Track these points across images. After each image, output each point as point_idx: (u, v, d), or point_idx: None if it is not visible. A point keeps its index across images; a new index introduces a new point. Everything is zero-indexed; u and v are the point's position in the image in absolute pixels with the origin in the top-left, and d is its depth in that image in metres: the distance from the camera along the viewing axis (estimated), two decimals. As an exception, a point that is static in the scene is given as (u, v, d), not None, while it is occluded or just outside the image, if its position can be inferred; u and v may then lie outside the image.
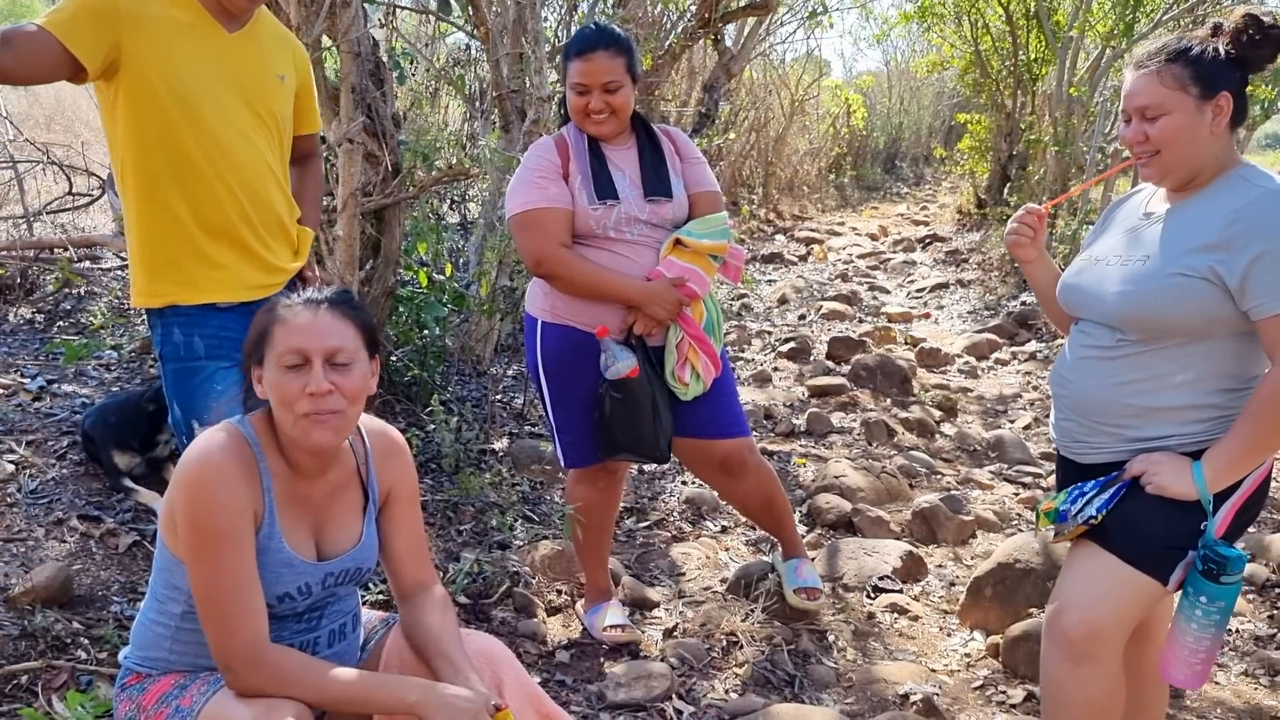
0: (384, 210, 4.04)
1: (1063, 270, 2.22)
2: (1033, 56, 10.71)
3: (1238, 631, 3.19)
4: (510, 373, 5.10)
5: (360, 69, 3.71)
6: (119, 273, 5.52)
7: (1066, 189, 9.04)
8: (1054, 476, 4.50)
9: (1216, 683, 2.93)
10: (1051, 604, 2.05)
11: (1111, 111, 9.16)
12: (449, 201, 5.85)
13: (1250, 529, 2.37)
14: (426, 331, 4.42)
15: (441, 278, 4.59)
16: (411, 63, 5.71)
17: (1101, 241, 2.12)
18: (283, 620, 1.76)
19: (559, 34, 6.78)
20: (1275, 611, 3.31)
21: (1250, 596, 3.39)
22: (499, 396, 4.77)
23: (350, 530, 1.85)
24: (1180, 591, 1.95)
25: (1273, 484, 2.88)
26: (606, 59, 2.66)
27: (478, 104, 5.92)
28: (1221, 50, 1.88)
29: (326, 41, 3.72)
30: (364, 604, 2.49)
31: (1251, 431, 1.84)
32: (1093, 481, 2.03)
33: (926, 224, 13.09)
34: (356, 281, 3.56)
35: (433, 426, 3.98)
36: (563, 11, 6.68)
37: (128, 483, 3.24)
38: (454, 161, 4.64)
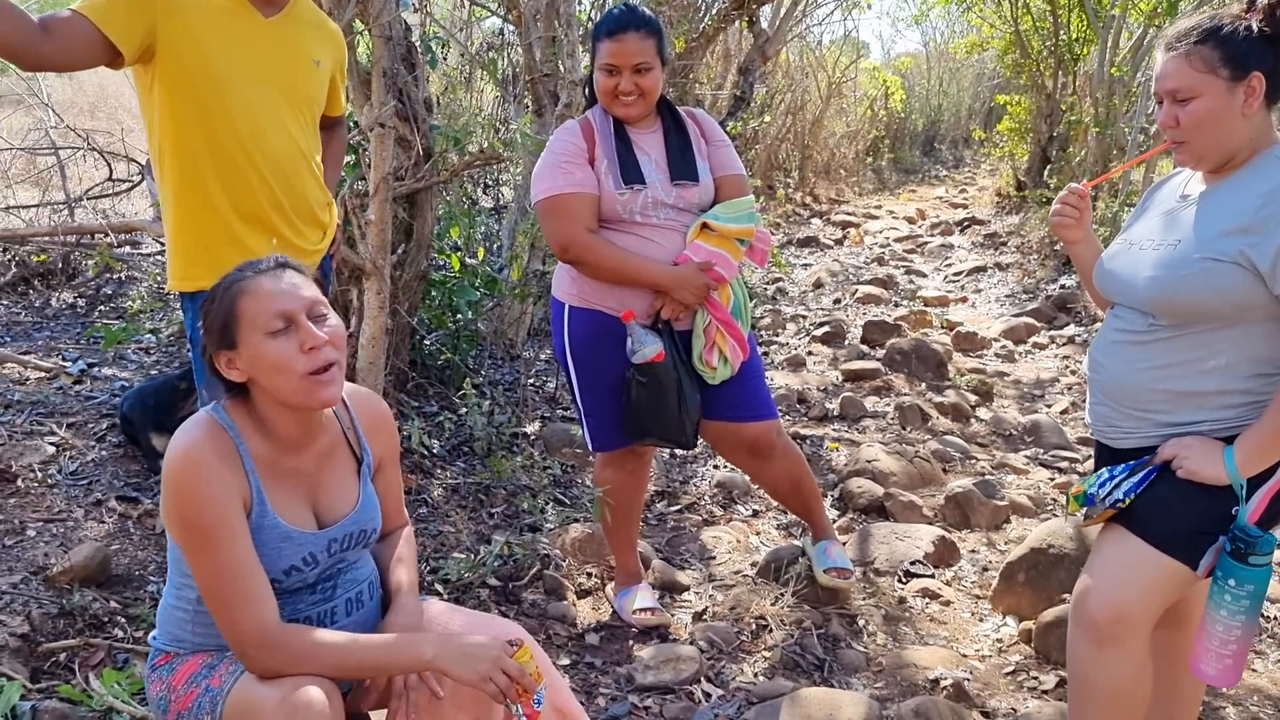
0: (416, 195, 4.06)
1: None
2: (1074, 36, 10.54)
3: (1275, 619, 3.14)
4: (543, 356, 5.12)
5: (392, 53, 3.72)
6: (158, 258, 5.59)
7: (1107, 170, 8.90)
8: (1090, 461, 4.46)
9: (1254, 670, 2.88)
10: (1078, 587, 2.04)
11: (1154, 92, 9.00)
12: (482, 186, 5.87)
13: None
14: (459, 315, 4.45)
15: (474, 262, 4.61)
16: (445, 47, 5.72)
17: (1138, 225, 2.08)
18: (296, 593, 1.77)
19: (592, 17, 6.77)
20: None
21: (1290, 584, 3.33)
22: (531, 380, 4.78)
23: (347, 494, 1.85)
24: (1210, 579, 1.92)
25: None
26: (637, 40, 2.65)
27: (510, 88, 5.92)
28: (1255, 27, 1.83)
29: (358, 25, 3.73)
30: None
31: None
32: (1123, 465, 2.00)
33: (965, 207, 12.95)
34: (389, 265, 3.58)
35: (465, 410, 4.00)
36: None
37: (165, 464, 3.28)
38: (486, 146, 4.64)
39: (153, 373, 4.03)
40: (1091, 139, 9.18)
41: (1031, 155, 11.36)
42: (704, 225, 2.75)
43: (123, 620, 2.59)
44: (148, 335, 4.33)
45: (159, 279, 5.22)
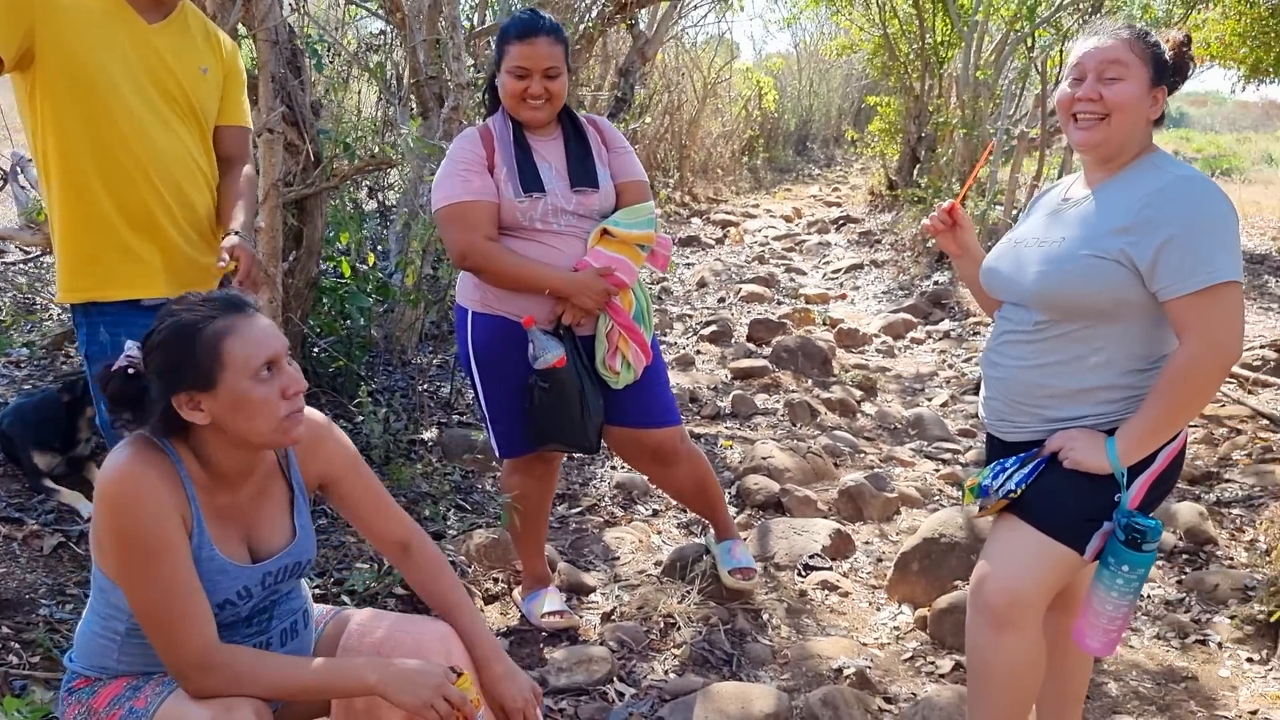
0: (305, 200, 3.98)
1: None
2: (939, 40, 10.95)
3: (1149, 597, 3.35)
4: (435, 362, 5.07)
5: (278, 57, 3.65)
6: (23, 267, 5.33)
7: (975, 178, 9.27)
8: (972, 452, 4.66)
9: (1131, 646, 3.07)
10: (975, 575, 2.13)
11: (1017, 94, 9.41)
12: (367, 190, 5.77)
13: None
14: (350, 322, 4.37)
15: (365, 267, 4.54)
16: (328, 49, 5.61)
17: (1023, 226, 2.20)
18: (231, 627, 1.74)
19: (473, 19, 6.72)
20: (1184, 577, 3.48)
21: (1160, 563, 3.56)
22: (425, 386, 4.74)
23: (281, 527, 1.83)
24: (1099, 562, 2.04)
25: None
26: (548, 44, 2.66)
27: (394, 91, 5.84)
28: (1168, 55, 1.98)
29: (242, 30, 3.63)
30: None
31: (1160, 408, 1.93)
32: (1014, 458, 2.11)
33: (839, 205, 13.31)
34: (280, 273, 3.51)
35: (361, 418, 3.94)
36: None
37: (48, 483, 3.15)
38: (375, 150, 4.58)
39: (25, 388, 3.85)
40: (958, 140, 9.56)
41: (902, 155, 11.75)
42: (604, 231, 2.78)
43: (16, 645, 2.48)
44: (20, 349, 4.13)
45: (25, 290, 4.98)
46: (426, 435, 4.27)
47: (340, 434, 1.97)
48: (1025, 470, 2.07)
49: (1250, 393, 5.31)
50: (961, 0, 10.19)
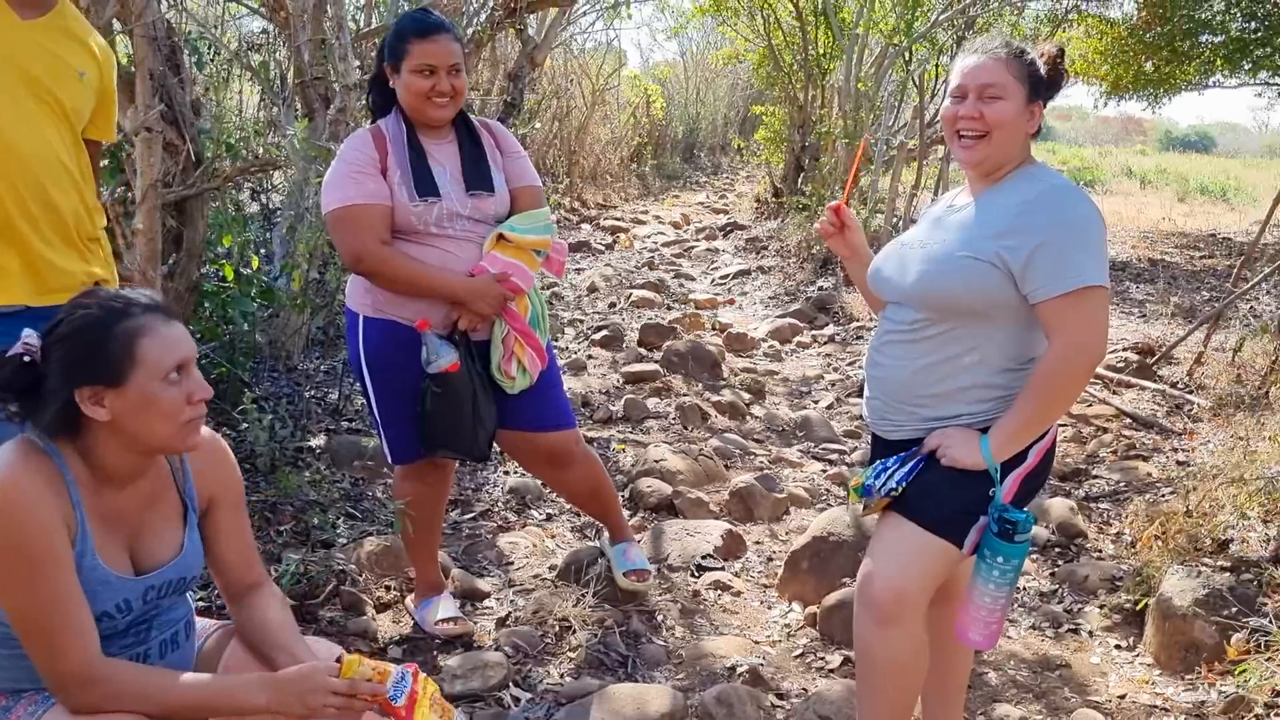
0: (185, 202, 3.86)
1: None
2: (822, 51, 11.21)
3: (1025, 589, 3.50)
4: (323, 367, 4.97)
5: (156, 54, 3.53)
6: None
7: (858, 181, 9.54)
8: (857, 453, 4.79)
9: (1009, 637, 3.20)
10: (861, 571, 2.20)
11: (896, 106, 9.70)
12: (251, 192, 5.62)
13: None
14: (233, 327, 4.26)
15: (248, 271, 4.42)
16: (209, 47, 5.45)
17: (910, 231, 2.29)
18: (108, 639, 1.68)
19: (359, 20, 6.61)
20: (1056, 569, 3.64)
21: (1034, 556, 3.72)
22: (312, 392, 4.64)
23: (169, 540, 1.78)
24: (976, 556, 2.12)
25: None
26: (450, 41, 2.65)
27: (278, 91, 5.71)
28: (1043, 69, 2.08)
29: (118, 26, 3.51)
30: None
31: (1030, 406, 2.03)
32: (895, 457, 2.19)
33: (726, 212, 13.49)
34: (159, 277, 3.39)
35: (245, 425, 3.84)
36: (364, -4, 6.51)
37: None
38: (260, 151, 4.47)
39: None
40: (840, 149, 9.80)
41: (787, 164, 11.98)
42: (500, 236, 2.77)
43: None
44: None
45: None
46: (314, 442, 4.19)
47: (234, 465, 1.93)
48: (905, 469, 2.14)
49: (1115, 393, 5.59)
50: (842, 14, 10.46)
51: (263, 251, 5.22)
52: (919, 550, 2.12)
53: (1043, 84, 2.09)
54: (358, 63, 5.40)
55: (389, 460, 2.96)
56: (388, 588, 3.28)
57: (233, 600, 1.90)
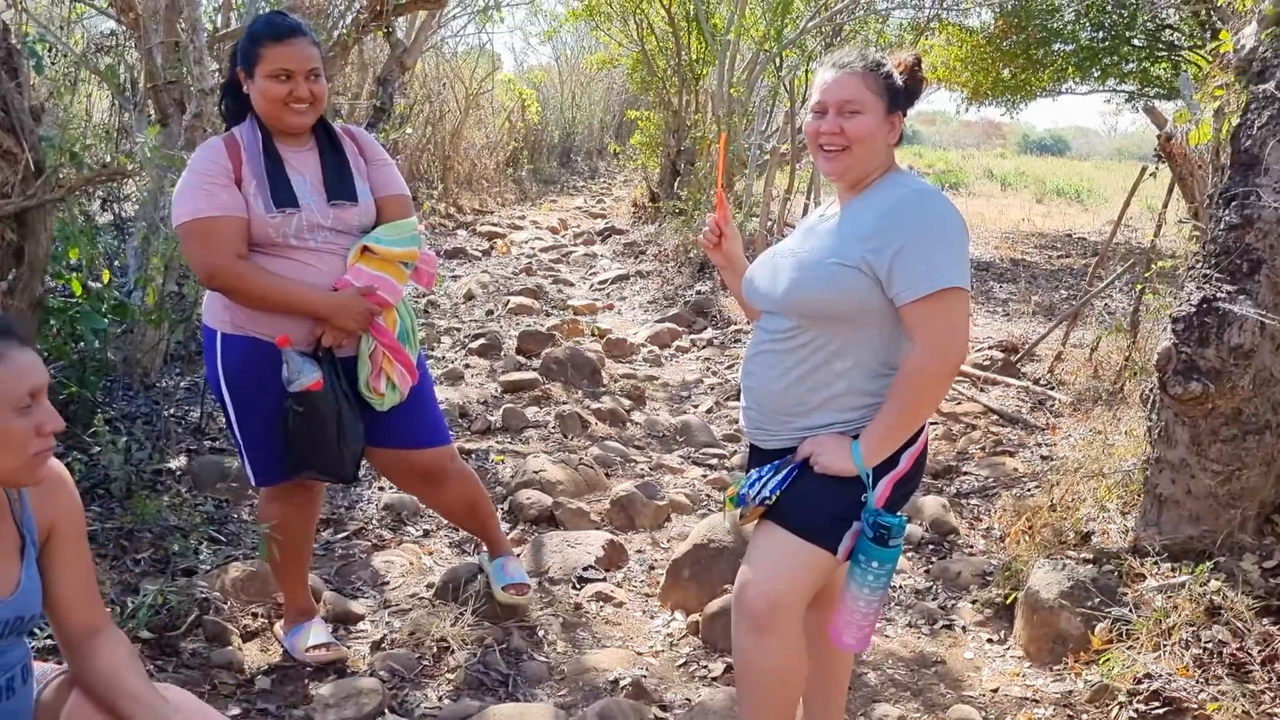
0: (25, 213, 3.62)
1: None
2: (695, 57, 11.31)
3: (901, 587, 3.56)
4: (184, 385, 4.75)
5: (-11, 56, 3.31)
6: None
7: (732, 185, 9.64)
8: (737, 457, 4.81)
9: (886, 636, 3.25)
10: (738, 580, 2.20)
11: (768, 111, 9.84)
12: (101, 201, 5.34)
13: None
14: (83, 344, 4.02)
15: (98, 285, 4.19)
16: (50, 50, 5.15)
17: (784, 240, 2.30)
18: None
19: (215, 21, 6.37)
20: (930, 566, 3.72)
21: (909, 554, 3.79)
22: (172, 411, 4.43)
23: (4, 576, 1.65)
24: (850, 561, 2.14)
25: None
26: (307, 45, 2.55)
27: (129, 96, 5.44)
28: (899, 79, 2.10)
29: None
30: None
31: (895, 410, 2.06)
32: (769, 465, 2.19)
33: (604, 217, 13.50)
34: (-2, 294, 3.18)
35: (97, 449, 3.64)
36: (221, -3, 6.27)
37: None
38: (109, 159, 4.24)
39: None
40: (715, 153, 9.89)
41: (663, 168, 12.05)
42: (365, 248, 2.67)
43: None
44: None
45: None
46: (174, 464, 3.99)
47: (75, 494, 1.81)
48: (779, 477, 2.15)
49: (982, 390, 5.76)
50: (714, 20, 10.57)
51: (116, 264, 4.96)
52: (793, 558, 2.12)
53: (901, 94, 2.12)
54: (215, 66, 5.19)
55: (252, 482, 2.83)
56: (255, 615, 3.13)
57: (71, 648, 1.77)
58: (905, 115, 2.14)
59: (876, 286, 2.04)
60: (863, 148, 2.08)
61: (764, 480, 2.16)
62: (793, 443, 2.18)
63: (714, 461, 4.83)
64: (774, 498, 2.13)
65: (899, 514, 2.12)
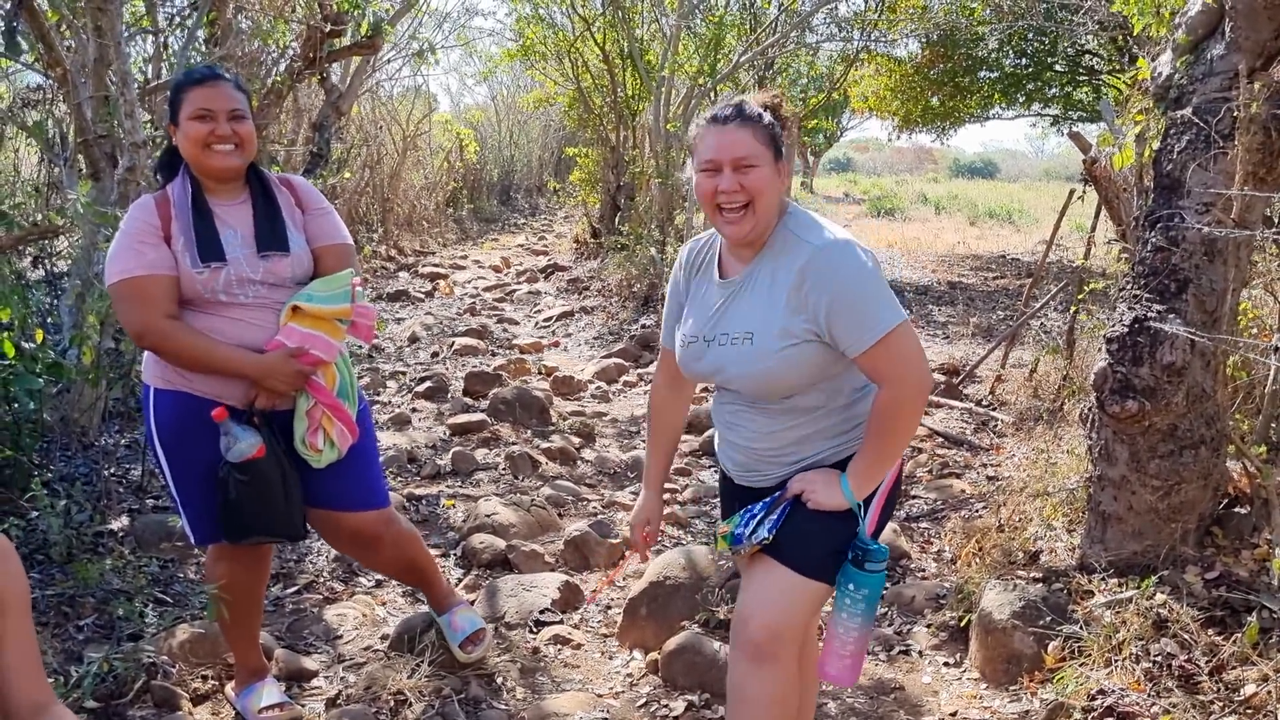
0: (-45, 275, 3.55)
1: None
2: (630, 93, 11.42)
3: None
4: (124, 442, 4.66)
5: (-87, 116, 3.25)
6: None
7: (672, 218, 9.70)
8: (689, 490, 4.81)
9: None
10: (737, 615, 2.21)
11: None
12: (32, 259, 5.24)
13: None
14: (17, 406, 3.93)
15: (32, 345, 4.09)
16: (-25, 106, 5.06)
17: (695, 316, 2.25)
18: None
19: (146, 73, 6.30)
20: (885, 591, 3.73)
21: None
22: (112, 470, 4.34)
23: None
24: (837, 590, 2.17)
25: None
26: (229, 87, 2.55)
27: (58, 151, 5.35)
28: (778, 126, 2.11)
29: None
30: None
31: (877, 445, 2.10)
32: (760, 504, 2.21)
33: (546, 254, 13.51)
34: (-73, 359, 3.10)
35: (35, 513, 3.55)
36: (151, 49, 6.21)
37: None
38: (40, 216, 4.16)
39: None
40: (655, 188, 9.97)
41: (603, 203, 12.12)
42: (295, 308, 2.63)
43: None
44: None
45: None
46: (116, 525, 3.90)
47: (19, 565, 1.73)
48: (774, 516, 2.17)
49: (926, 413, 5.83)
50: (648, 57, 10.68)
51: (50, 321, 4.87)
52: (794, 592, 2.14)
53: (782, 143, 2.11)
54: (147, 117, 5.14)
55: (191, 541, 2.77)
56: (204, 677, 3.06)
57: None
58: (779, 156, 2.10)
59: (828, 345, 2.06)
60: (763, 201, 2.06)
61: (758, 519, 2.18)
62: (785, 478, 2.21)
63: (666, 496, 4.83)
64: (770, 537, 2.15)
65: (879, 543, 2.15)
